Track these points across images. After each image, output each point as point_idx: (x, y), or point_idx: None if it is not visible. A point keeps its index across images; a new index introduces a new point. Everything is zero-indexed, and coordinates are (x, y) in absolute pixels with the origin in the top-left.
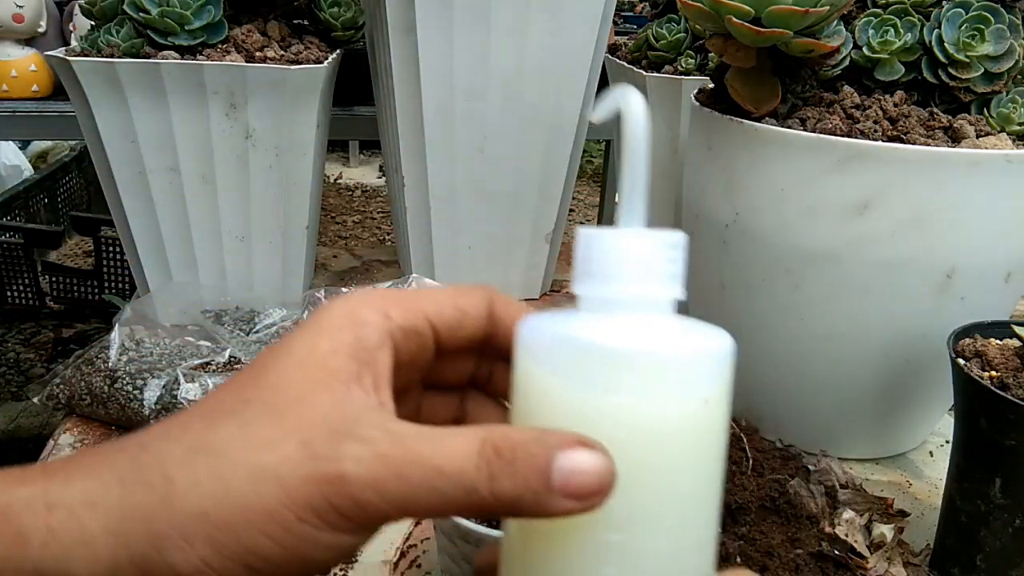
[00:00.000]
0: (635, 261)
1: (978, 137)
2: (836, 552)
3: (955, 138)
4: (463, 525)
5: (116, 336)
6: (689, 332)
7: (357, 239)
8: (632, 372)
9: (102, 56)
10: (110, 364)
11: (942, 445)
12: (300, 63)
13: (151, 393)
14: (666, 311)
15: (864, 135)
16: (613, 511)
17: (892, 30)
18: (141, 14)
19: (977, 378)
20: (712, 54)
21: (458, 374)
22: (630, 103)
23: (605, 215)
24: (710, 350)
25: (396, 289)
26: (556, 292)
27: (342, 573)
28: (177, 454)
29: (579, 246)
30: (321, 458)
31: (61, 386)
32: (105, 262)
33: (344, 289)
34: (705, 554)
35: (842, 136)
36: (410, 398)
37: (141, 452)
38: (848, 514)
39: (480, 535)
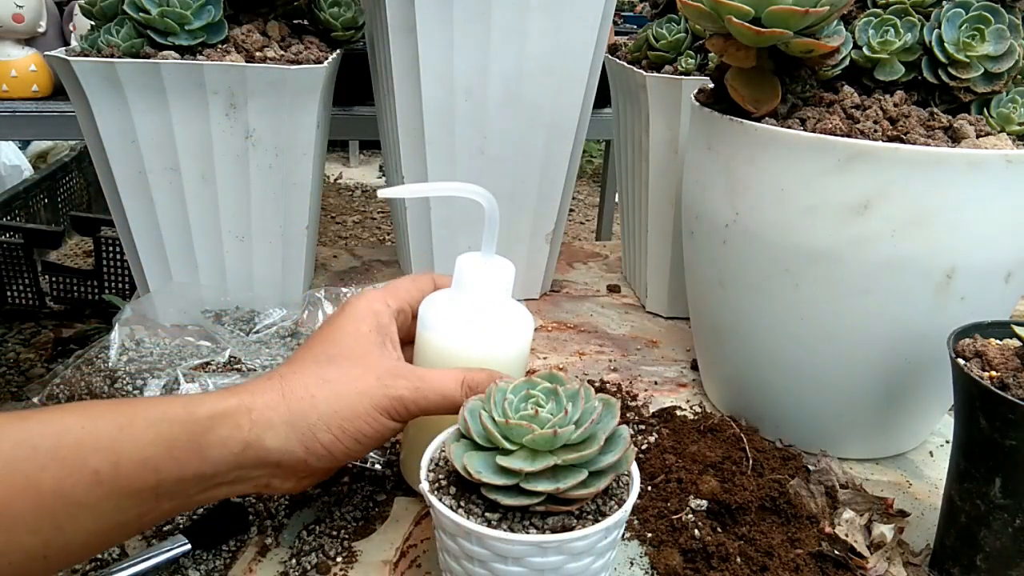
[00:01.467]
0: (479, 278)
1: (978, 137)
2: (836, 552)
3: (955, 138)
4: (463, 524)
5: (116, 336)
6: (505, 318)
7: (357, 239)
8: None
9: (102, 56)
10: (110, 364)
11: (942, 445)
12: (300, 63)
13: (151, 393)
14: (492, 304)
15: (864, 135)
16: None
17: (892, 30)
18: (141, 14)
19: (977, 378)
20: (712, 54)
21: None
22: (490, 201)
23: (605, 215)
24: (516, 325)
25: (386, 286)
26: (556, 292)
27: (342, 573)
28: (312, 382)
29: (458, 268)
30: (388, 387)
31: (61, 386)
32: (105, 262)
33: (344, 289)
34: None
35: (842, 136)
36: (405, 349)
37: (285, 381)
38: (848, 514)
39: (480, 534)
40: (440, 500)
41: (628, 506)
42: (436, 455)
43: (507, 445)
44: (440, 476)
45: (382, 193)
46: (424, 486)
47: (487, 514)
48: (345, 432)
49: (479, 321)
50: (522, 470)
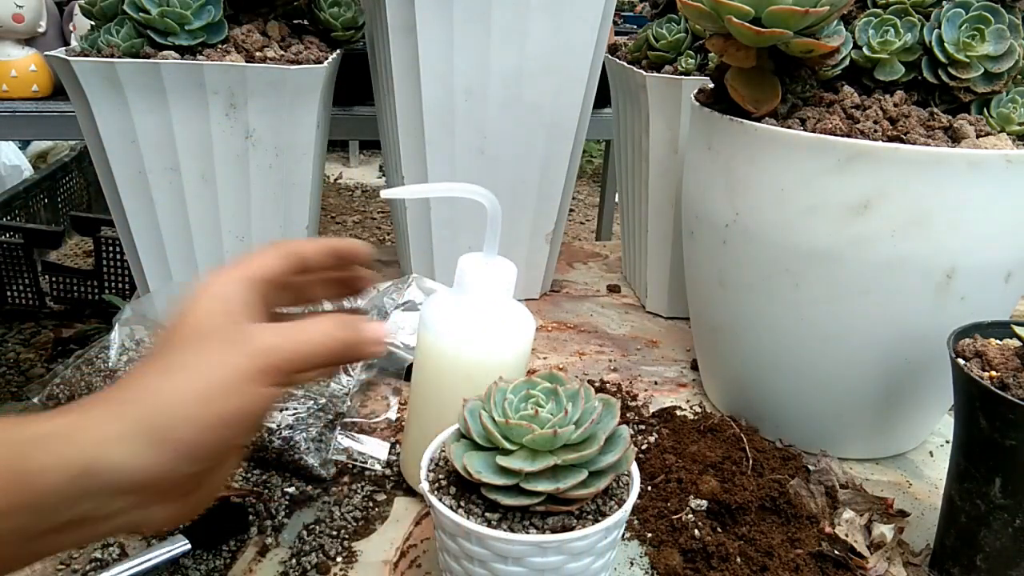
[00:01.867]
0: (478, 278)
1: (978, 137)
2: (836, 552)
3: (955, 138)
4: (463, 524)
5: (116, 336)
6: (506, 319)
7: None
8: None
9: (102, 56)
10: (110, 364)
11: (942, 445)
12: (300, 63)
13: None
14: (494, 304)
15: (864, 135)
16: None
17: (892, 30)
18: (141, 14)
19: (977, 378)
20: (712, 54)
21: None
22: (493, 203)
23: (605, 215)
24: (517, 326)
25: (238, 260)
26: (556, 292)
27: (342, 573)
28: (155, 376)
29: (459, 267)
30: (253, 343)
31: (61, 386)
32: (105, 262)
33: None
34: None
35: (842, 136)
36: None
37: (124, 387)
38: (848, 514)
39: (480, 534)
40: (440, 500)
41: (628, 506)
42: (436, 455)
43: (507, 445)
44: (440, 476)
45: (385, 194)
46: (424, 486)
47: (487, 514)
48: (209, 417)
49: (480, 322)
50: (522, 470)
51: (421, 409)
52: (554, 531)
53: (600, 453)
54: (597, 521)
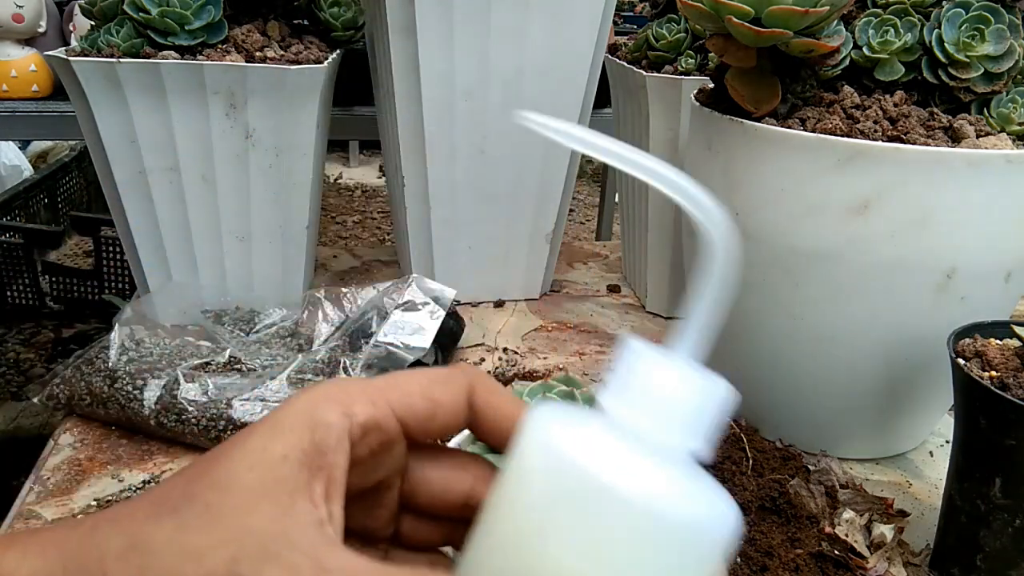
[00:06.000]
0: (668, 398)
1: (978, 137)
2: (836, 552)
3: (955, 138)
4: None
5: (116, 336)
6: (693, 499)
7: (357, 239)
8: (622, 521)
9: (102, 56)
10: (110, 364)
11: (942, 445)
12: (300, 63)
13: (151, 393)
14: (680, 460)
15: (864, 135)
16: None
17: (892, 30)
18: (141, 14)
19: (977, 378)
20: (712, 54)
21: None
22: (720, 229)
23: (605, 215)
24: (710, 524)
25: (364, 380)
26: (556, 292)
27: None
28: (115, 548)
29: (623, 356)
30: None
31: (61, 386)
32: (105, 262)
33: (344, 289)
34: None
35: (842, 136)
36: (383, 500)
37: (87, 538)
38: (848, 514)
39: None
40: None
41: None
42: None
43: None
44: None
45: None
46: None
47: None
48: None
49: (668, 492)
50: None
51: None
52: None
53: None
54: None
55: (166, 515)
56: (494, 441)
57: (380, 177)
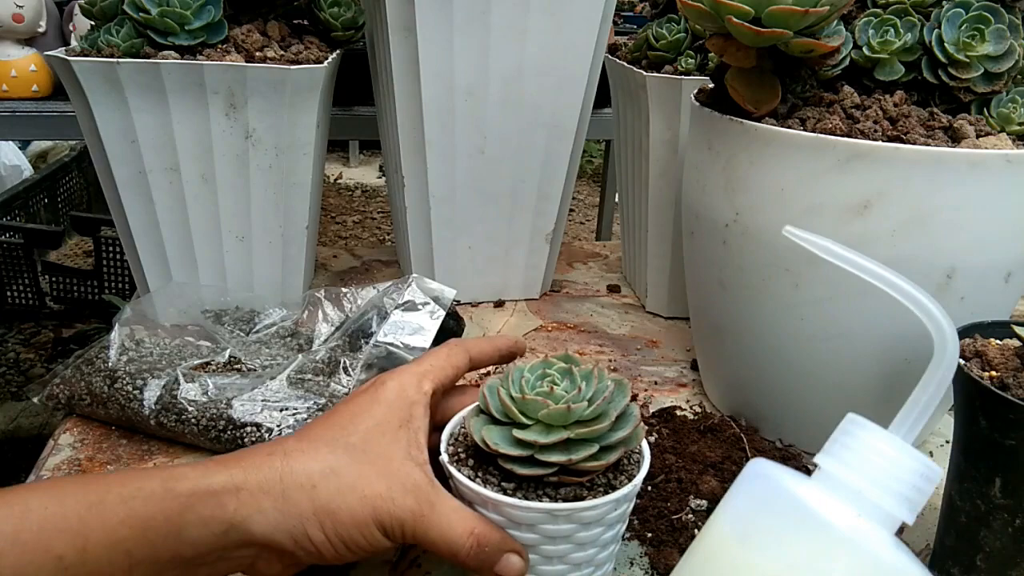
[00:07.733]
0: (886, 469)
1: (978, 137)
2: None
3: (955, 138)
4: (481, 492)
5: (116, 336)
6: (903, 552)
7: (357, 239)
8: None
9: (102, 56)
10: (110, 364)
11: (942, 445)
12: (300, 63)
13: (151, 393)
14: (888, 528)
15: (864, 135)
16: None
17: (892, 30)
18: (141, 14)
19: (977, 378)
20: (712, 54)
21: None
22: (947, 336)
23: (605, 215)
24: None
25: (421, 361)
26: (556, 292)
27: (342, 573)
28: (316, 469)
29: (843, 426)
30: (395, 502)
31: (61, 386)
32: (105, 262)
33: (344, 289)
34: None
35: (842, 136)
36: (432, 436)
37: (289, 460)
38: None
39: (497, 501)
40: (459, 471)
41: (638, 480)
42: (456, 431)
43: (523, 419)
44: (459, 449)
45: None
46: (444, 458)
47: (503, 483)
48: (338, 536)
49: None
50: (536, 442)
51: None
52: (566, 500)
53: (611, 429)
54: (607, 493)
55: (342, 452)
56: (481, 367)
57: (380, 177)
